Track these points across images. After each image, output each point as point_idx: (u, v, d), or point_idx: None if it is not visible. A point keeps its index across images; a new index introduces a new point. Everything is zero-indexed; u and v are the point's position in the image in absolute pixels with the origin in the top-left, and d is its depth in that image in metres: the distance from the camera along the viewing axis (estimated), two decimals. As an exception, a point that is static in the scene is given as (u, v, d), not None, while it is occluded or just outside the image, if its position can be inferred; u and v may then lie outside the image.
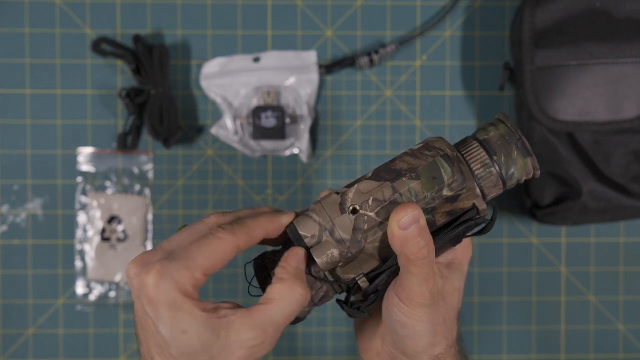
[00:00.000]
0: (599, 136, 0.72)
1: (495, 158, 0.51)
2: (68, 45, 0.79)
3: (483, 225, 0.52)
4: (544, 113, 0.71)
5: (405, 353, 0.53)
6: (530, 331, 0.81)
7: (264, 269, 0.51)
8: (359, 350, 0.57)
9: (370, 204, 0.48)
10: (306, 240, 0.49)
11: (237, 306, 0.48)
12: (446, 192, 0.49)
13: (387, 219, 0.48)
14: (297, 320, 0.51)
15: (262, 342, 0.47)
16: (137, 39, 0.77)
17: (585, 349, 0.80)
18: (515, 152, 0.51)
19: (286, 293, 0.48)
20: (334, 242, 0.48)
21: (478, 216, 0.50)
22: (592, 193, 0.73)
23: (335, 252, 0.48)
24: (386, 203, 0.48)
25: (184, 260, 0.46)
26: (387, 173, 0.49)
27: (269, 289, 0.48)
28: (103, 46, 0.78)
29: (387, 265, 0.50)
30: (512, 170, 0.51)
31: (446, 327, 0.52)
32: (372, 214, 0.48)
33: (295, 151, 0.79)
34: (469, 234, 0.52)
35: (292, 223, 0.50)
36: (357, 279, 0.50)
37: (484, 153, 0.51)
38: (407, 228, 0.47)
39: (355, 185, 0.49)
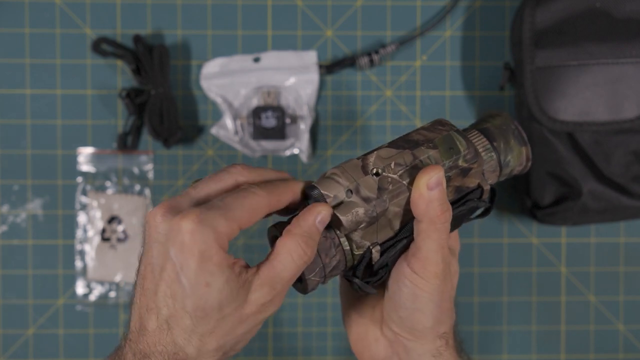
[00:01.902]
0: (599, 136, 0.72)
1: (495, 144, 0.54)
2: (68, 45, 0.79)
3: (483, 209, 0.54)
4: (544, 113, 0.71)
5: (412, 330, 0.52)
6: (530, 331, 0.81)
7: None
8: (350, 340, 0.57)
9: (393, 167, 0.49)
10: (328, 201, 0.48)
11: (247, 264, 0.48)
12: (461, 163, 0.51)
13: (410, 182, 0.50)
14: (306, 288, 0.50)
15: (271, 299, 0.47)
16: (137, 39, 0.77)
17: (585, 349, 0.80)
18: (512, 140, 0.55)
19: (292, 247, 0.47)
20: (360, 201, 0.48)
21: (481, 197, 0.53)
22: (592, 193, 0.73)
23: (360, 211, 0.48)
24: (408, 167, 0.50)
25: (223, 210, 0.45)
26: (405, 142, 0.51)
27: (277, 243, 0.48)
28: (103, 46, 0.78)
29: (402, 235, 0.51)
30: (509, 157, 0.54)
31: (450, 306, 0.53)
32: (395, 176, 0.49)
33: (295, 151, 0.79)
34: (471, 217, 0.54)
35: (314, 184, 0.49)
36: (371, 247, 0.50)
37: (485, 138, 0.54)
38: (434, 189, 0.49)
39: (375, 152, 0.50)
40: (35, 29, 0.79)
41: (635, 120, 0.71)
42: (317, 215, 0.48)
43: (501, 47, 0.80)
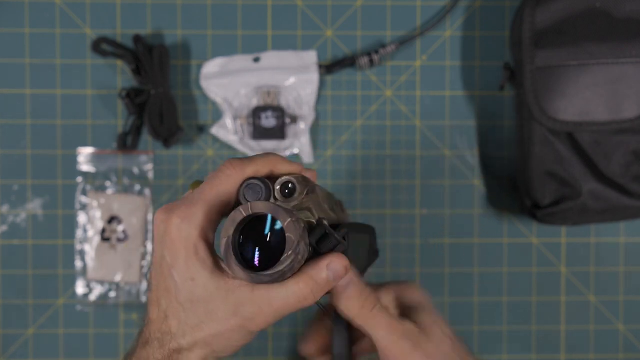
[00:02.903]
0: (599, 136, 0.72)
1: None
2: (68, 45, 0.79)
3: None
4: (544, 113, 0.71)
5: None
6: (530, 331, 0.81)
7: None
8: None
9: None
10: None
11: None
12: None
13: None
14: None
15: (254, 317, 0.48)
16: (137, 39, 0.77)
17: (585, 349, 0.80)
18: None
19: (296, 287, 0.48)
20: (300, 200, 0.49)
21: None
22: (592, 193, 0.73)
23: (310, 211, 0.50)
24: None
25: (200, 202, 0.48)
26: None
27: (290, 278, 0.48)
28: (103, 46, 0.78)
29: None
30: None
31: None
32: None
33: (295, 151, 0.79)
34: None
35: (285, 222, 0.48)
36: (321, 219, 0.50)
37: None
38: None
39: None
40: (35, 29, 0.79)
41: (635, 120, 0.71)
42: (333, 264, 0.49)
43: (501, 47, 0.80)
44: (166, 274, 0.48)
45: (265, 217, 0.47)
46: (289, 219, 0.46)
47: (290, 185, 0.49)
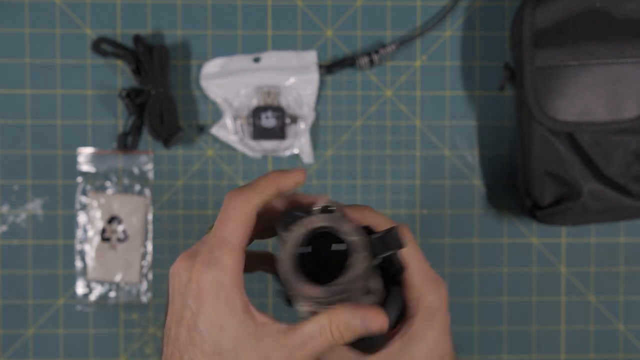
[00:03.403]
0: (599, 136, 0.72)
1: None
2: (68, 45, 0.79)
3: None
4: (544, 113, 0.71)
5: None
6: (530, 331, 0.81)
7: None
8: None
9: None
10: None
11: (275, 320, 0.47)
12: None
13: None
14: None
15: None
16: (137, 39, 0.77)
17: (585, 349, 0.80)
18: None
19: (324, 324, 0.46)
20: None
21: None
22: (592, 193, 0.73)
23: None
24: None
25: (221, 243, 0.45)
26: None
27: (315, 317, 0.46)
28: (103, 46, 0.78)
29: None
30: None
31: None
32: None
33: (295, 151, 0.79)
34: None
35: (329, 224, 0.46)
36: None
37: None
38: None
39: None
40: (35, 29, 0.79)
41: (635, 120, 0.71)
42: (368, 321, 0.46)
43: (501, 47, 0.80)
44: (190, 325, 0.45)
45: (319, 236, 0.45)
46: (353, 225, 0.43)
47: (328, 208, 0.46)
